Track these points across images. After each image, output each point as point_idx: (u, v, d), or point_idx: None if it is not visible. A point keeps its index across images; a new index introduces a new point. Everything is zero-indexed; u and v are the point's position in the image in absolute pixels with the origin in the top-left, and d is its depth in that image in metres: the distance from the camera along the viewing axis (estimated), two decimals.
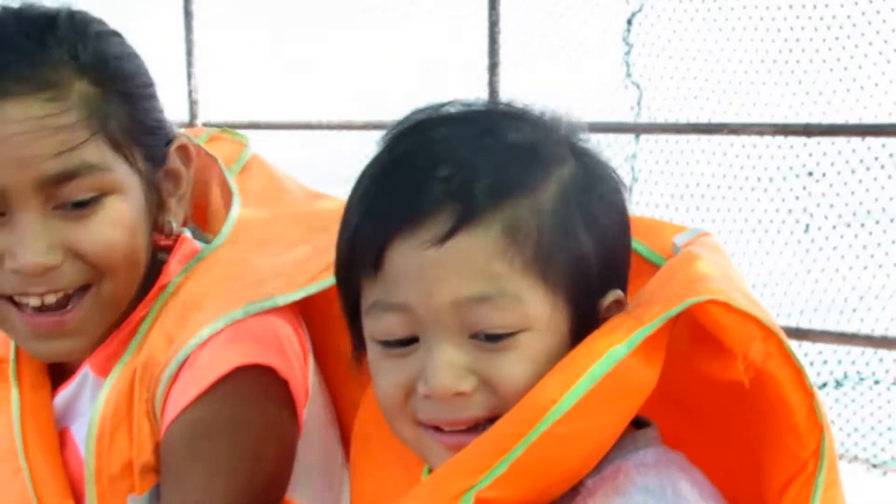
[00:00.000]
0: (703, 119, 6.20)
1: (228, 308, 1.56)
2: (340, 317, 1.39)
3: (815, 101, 5.92)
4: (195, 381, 1.53)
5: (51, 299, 1.53)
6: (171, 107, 1.71)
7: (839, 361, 6.01)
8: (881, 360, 5.89)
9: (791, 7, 5.98)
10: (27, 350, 1.60)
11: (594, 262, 1.31)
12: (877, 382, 5.99)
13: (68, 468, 1.62)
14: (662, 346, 1.30)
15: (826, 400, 5.76)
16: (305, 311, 1.65)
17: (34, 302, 1.53)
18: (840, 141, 5.78)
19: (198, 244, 1.68)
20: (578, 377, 1.24)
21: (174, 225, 1.63)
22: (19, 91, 1.49)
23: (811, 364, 6.00)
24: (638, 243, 1.42)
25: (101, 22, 1.60)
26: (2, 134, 1.48)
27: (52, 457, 1.61)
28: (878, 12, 5.69)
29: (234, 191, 1.75)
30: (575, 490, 1.28)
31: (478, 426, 1.28)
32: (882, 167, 5.82)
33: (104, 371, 1.59)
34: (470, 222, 1.26)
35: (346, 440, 1.70)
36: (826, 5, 5.88)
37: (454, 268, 1.26)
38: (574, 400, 1.23)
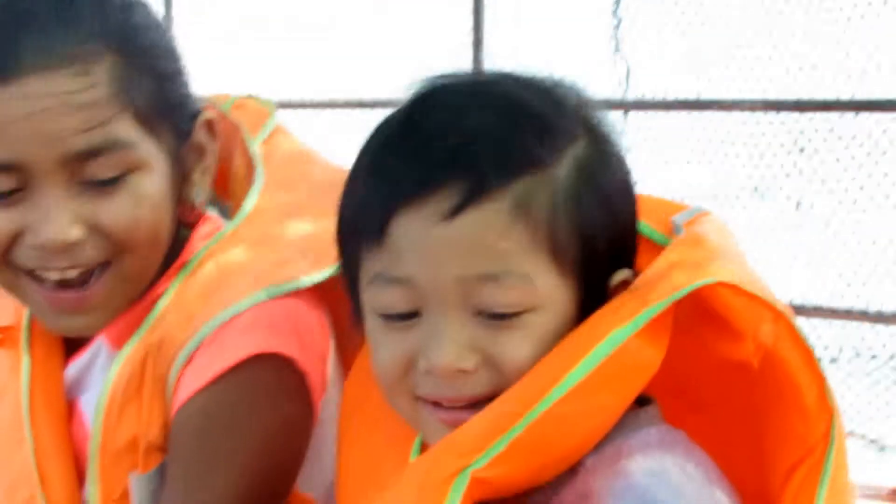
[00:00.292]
0: (693, 95, 6.20)
1: (251, 289, 1.53)
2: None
3: (808, 76, 5.92)
4: (210, 365, 1.51)
5: (71, 274, 1.51)
6: None
7: (834, 337, 6.03)
8: (877, 335, 5.91)
9: None
10: (46, 325, 1.58)
11: (605, 242, 1.29)
12: (873, 357, 6.02)
13: (73, 440, 1.60)
14: (667, 326, 1.28)
15: None
16: (327, 289, 1.61)
17: (54, 276, 1.51)
18: (833, 117, 5.79)
19: (221, 221, 1.65)
20: (581, 357, 1.22)
21: (198, 199, 1.61)
22: (45, 65, 1.45)
23: None
24: (639, 222, 1.39)
25: None
26: (26, 109, 1.45)
27: (59, 430, 1.59)
28: None
29: (257, 162, 1.71)
30: (574, 468, 1.26)
31: (478, 403, 1.26)
32: (875, 143, 5.83)
33: (118, 343, 1.57)
34: (479, 198, 1.23)
35: None
36: None
37: (461, 244, 1.23)
38: (576, 380, 1.22)
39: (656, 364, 1.27)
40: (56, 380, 1.62)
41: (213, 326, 1.51)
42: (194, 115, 1.60)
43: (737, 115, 5.96)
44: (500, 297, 1.24)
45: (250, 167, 1.72)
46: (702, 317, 1.31)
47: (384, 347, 1.29)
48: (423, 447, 1.36)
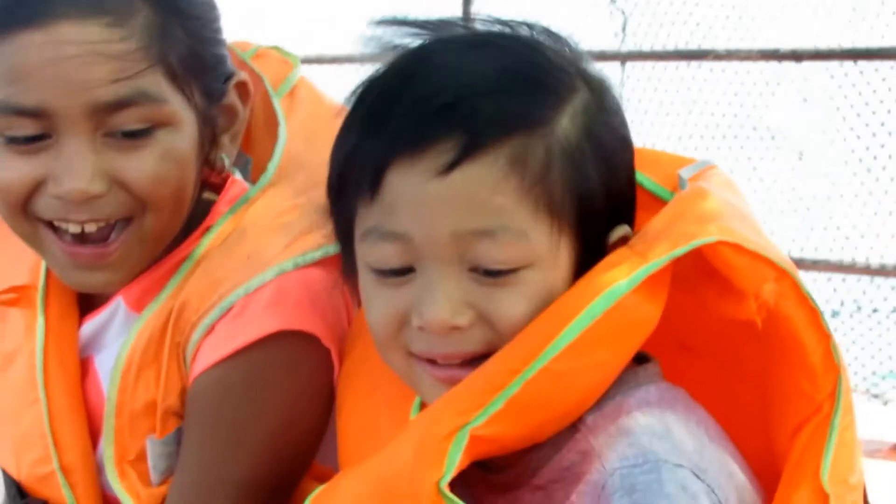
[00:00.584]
0: (691, 46, 6.18)
1: (278, 259, 1.52)
2: None
3: (809, 24, 5.89)
4: (232, 337, 1.49)
5: (91, 228, 1.49)
6: None
7: (835, 290, 6.03)
8: (878, 287, 5.91)
9: None
10: (64, 279, 1.56)
11: (603, 198, 1.27)
12: (875, 311, 6.02)
13: (87, 399, 1.59)
14: (666, 283, 1.26)
15: None
16: None
17: (74, 229, 1.49)
18: (833, 65, 5.76)
19: (245, 184, 1.63)
20: (577, 313, 1.21)
21: (226, 162, 1.59)
22: (78, 13, 1.44)
23: None
24: (642, 176, 1.38)
25: None
26: (56, 55, 1.43)
27: (73, 391, 1.59)
28: None
29: (280, 118, 1.70)
30: (574, 426, 1.25)
31: (473, 360, 1.25)
32: (874, 91, 5.80)
33: (138, 306, 1.56)
34: (475, 153, 1.22)
35: None
36: None
37: (457, 200, 1.22)
38: (573, 336, 1.20)
39: (654, 321, 1.26)
40: (71, 340, 1.61)
41: (238, 296, 1.50)
42: (227, 77, 1.58)
43: (736, 65, 5.93)
44: (495, 254, 1.22)
45: (271, 119, 1.70)
46: (703, 274, 1.28)
47: (377, 303, 1.28)
48: (423, 406, 1.35)
